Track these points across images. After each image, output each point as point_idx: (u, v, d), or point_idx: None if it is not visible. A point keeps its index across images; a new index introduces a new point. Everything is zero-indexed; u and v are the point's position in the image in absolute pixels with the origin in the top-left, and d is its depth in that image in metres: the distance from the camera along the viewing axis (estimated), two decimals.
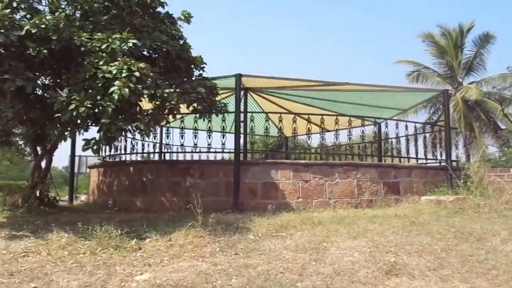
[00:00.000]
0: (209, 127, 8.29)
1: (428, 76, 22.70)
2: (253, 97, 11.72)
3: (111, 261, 4.31)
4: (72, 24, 5.89)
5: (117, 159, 9.81)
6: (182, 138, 8.39)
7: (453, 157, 9.78)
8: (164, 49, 6.55)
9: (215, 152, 8.84)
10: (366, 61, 69.66)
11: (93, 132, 6.06)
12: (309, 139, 9.28)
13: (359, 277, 4.01)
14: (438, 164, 9.77)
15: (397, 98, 10.69)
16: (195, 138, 8.33)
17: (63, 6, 6.47)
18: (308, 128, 8.64)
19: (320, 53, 72.02)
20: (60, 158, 55.98)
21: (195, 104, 6.99)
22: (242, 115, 8.40)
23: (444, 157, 9.61)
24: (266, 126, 8.79)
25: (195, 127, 8.33)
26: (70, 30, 5.57)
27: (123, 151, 9.63)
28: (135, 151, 9.44)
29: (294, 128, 8.68)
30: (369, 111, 11.72)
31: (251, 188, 7.73)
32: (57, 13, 5.60)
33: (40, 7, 6.33)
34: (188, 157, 9.66)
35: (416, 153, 9.69)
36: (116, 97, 5.16)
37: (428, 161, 10.17)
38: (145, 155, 9.68)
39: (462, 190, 8.45)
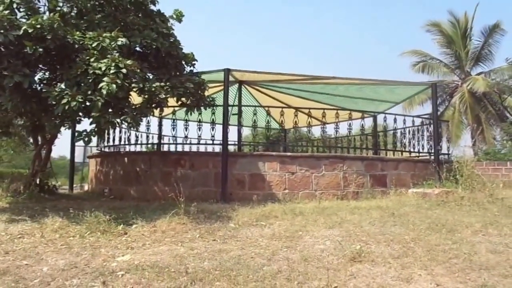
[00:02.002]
0: (199, 120, 8.82)
1: (434, 67, 22.78)
2: (249, 91, 12.21)
3: (97, 244, 4.87)
4: (67, 23, 6.43)
5: (113, 150, 10.41)
6: (173, 130, 8.98)
7: (445, 150, 10.18)
8: (154, 46, 7.04)
9: (206, 144, 9.37)
10: (370, 54, 69.52)
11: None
12: (309, 132, 9.79)
13: (324, 263, 4.33)
14: (427, 157, 10.16)
15: (391, 92, 11.10)
16: (186, 130, 8.92)
17: (60, 5, 6.99)
18: (309, 122, 9.15)
19: (324, 45, 71.90)
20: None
21: (183, 99, 7.47)
22: (235, 108, 8.90)
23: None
24: (265, 120, 9.27)
25: (186, 119, 8.87)
26: (64, 29, 6.10)
27: (123, 142, 10.22)
28: (129, 142, 10.03)
29: (296, 122, 9.16)
30: (366, 104, 12.19)
31: (239, 179, 8.26)
32: (52, 14, 6.14)
33: (40, 5, 6.89)
34: (181, 148, 10.24)
35: (410, 147, 10.12)
36: (104, 92, 5.71)
37: (421, 154, 10.59)
38: (141, 145, 10.26)
39: (450, 183, 8.79)
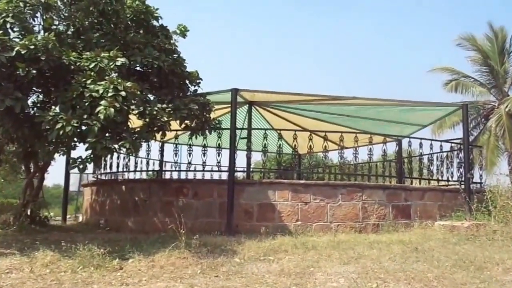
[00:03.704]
0: (204, 144, 9.03)
1: (468, 86, 22.67)
2: (259, 112, 12.46)
3: (90, 280, 5.03)
4: (63, 43, 6.79)
5: (110, 178, 10.67)
6: (176, 155, 9.22)
7: (477, 179, 10.18)
8: (156, 65, 7.36)
9: (211, 170, 9.54)
10: (395, 71, 69.61)
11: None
12: (325, 158, 9.90)
13: None
14: (457, 186, 10.17)
15: (417, 113, 11.20)
16: (189, 155, 9.13)
17: (56, 23, 7.39)
18: (325, 146, 9.31)
19: (345, 66, 72.29)
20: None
21: (187, 121, 7.73)
22: (244, 132, 9.08)
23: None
24: (276, 144, 9.43)
25: (190, 144, 9.08)
26: (59, 49, 6.46)
27: (121, 169, 10.50)
28: (127, 169, 10.31)
29: (310, 146, 9.28)
30: (389, 127, 12.30)
31: (247, 209, 8.41)
32: (47, 33, 6.50)
33: (35, 24, 7.29)
34: (184, 175, 10.45)
35: (438, 175, 10.15)
36: (102, 116, 5.98)
37: (450, 183, 10.60)
38: (140, 172, 10.51)
39: (482, 215, 8.73)
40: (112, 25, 7.73)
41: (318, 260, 6.05)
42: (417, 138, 10.69)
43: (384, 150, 10.00)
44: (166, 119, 7.14)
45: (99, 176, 11.27)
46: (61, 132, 6.04)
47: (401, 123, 12.11)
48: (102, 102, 6.07)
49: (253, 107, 11.98)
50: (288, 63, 76.81)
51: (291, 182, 8.86)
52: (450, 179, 10.66)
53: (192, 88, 8.47)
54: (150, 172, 12.61)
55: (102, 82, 6.24)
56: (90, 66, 6.50)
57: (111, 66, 6.58)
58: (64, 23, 7.41)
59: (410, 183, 10.95)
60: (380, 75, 70.69)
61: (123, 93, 6.17)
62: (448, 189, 10.19)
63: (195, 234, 6.52)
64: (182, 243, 6.14)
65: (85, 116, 6.20)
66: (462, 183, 9.99)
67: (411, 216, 9.04)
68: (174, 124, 7.89)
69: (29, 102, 7.01)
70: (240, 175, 14.41)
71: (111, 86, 6.16)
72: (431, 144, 10.60)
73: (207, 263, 5.73)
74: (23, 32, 6.80)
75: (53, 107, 6.71)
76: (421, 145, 10.36)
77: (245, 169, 12.05)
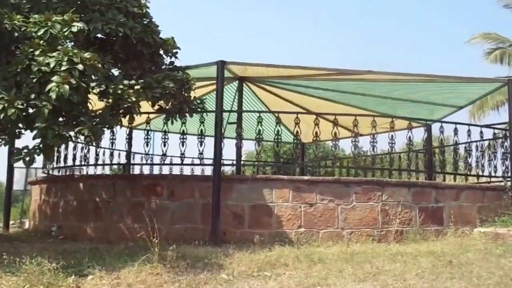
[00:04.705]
0: (183, 131, 9.04)
1: None
2: (252, 91, 12.49)
3: None
4: (4, 3, 6.74)
5: (65, 173, 10.72)
6: (147, 145, 9.21)
7: None
8: (121, 32, 7.33)
9: (192, 164, 9.55)
10: (424, 39, 69.23)
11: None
12: (335, 147, 9.78)
13: None
14: (502, 183, 10.27)
15: (451, 91, 11.23)
16: (164, 145, 9.17)
17: None
18: (335, 133, 9.33)
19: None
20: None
21: (161, 102, 7.73)
22: (233, 115, 9.08)
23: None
24: (274, 130, 9.39)
25: (165, 131, 9.08)
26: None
27: (78, 162, 10.46)
28: (87, 163, 10.32)
29: (316, 133, 9.30)
30: (416, 109, 12.35)
31: (236, 212, 8.46)
32: None
33: None
34: (158, 170, 10.45)
35: (477, 169, 10.20)
36: (54, 95, 5.95)
37: (493, 179, 10.68)
38: (103, 167, 10.52)
39: None
40: None
41: (326, 276, 6.07)
42: (451, 122, 10.66)
43: (410, 137, 10.01)
44: (134, 99, 7.12)
45: (50, 172, 11.25)
46: (1, 116, 5.99)
47: (431, 104, 12.16)
48: (54, 78, 6.03)
49: (244, 84, 11.97)
50: (286, 34, 76.56)
51: (292, 178, 8.93)
52: (493, 174, 10.73)
53: (167, 60, 8.50)
54: (115, 166, 12.63)
55: (54, 53, 6.20)
56: (39, 33, 6.44)
57: (65, 33, 6.53)
58: None
59: (443, 180, 10.94)
60: (401, 48, 70.68)
61: (80, 67, 6.13)
62: (491, 187, 10.24)
63: (172, 244, 6.55)
64: (155, 255, 6.15)
65: (32, 96, 6.17)
66: (509, 179, 10.07)
67: (444, 221, 9.10)
68: (145, 106, 7.89)
69: None
70: (228, 170, 14.50)
71: (65, 58, 6.12)
72: (468, 130, 10.56)
73: (187, 281, 5.75)
74: None
75: None
76: (456, 132, 10.38)
77: (235, 162, 12.02)
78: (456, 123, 10.46)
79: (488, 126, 11.34)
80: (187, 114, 8.42)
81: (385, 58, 65.07)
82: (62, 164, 10.68)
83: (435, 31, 70.03)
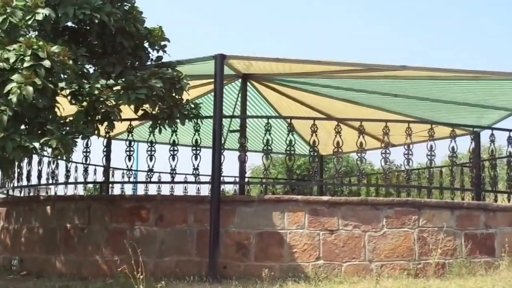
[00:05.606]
0: (174, 141, 8.98)
1: None
2: (258, 91, 12.50)
3: None
4: None
5: (28, 194, 10.69)
6: (129, 159, 9.18)
7: None
8: (97, 20, 7.33)
9: (185, 181, 9.49)
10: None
11: None
12: (361, 161, 9.62)
13: None
14: None
15: (504, 91, 11.18)
16: (151, 159, 9.13)
17: None
18: (360, 143, 9.26)
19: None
20: None
21: (146, 106, 7.75)
22: (236, 121, 9.02)
23: None
24: (285, 140, 9.30)
25: (151, 141, 9.03)
26: None
27: (44, 180, 10.48)
28: (55, 181, 10.30)
29: (338, 143, 9.22)
30: (460, 113, 12.33)
31: (240, 241, 8.44)
32: None
33: None
34: (143, 190, 10.44)
35: None
36: (14, 99, 6.00)
37: None
38: (75, 186, 10.51)
39: None
40: None
41: None
42: (505, 129, 10.70)
43: (453, 148, 9.99)
44: (113, 102, 7.17)
45: (10, 192, 11.25)
46: None
47: (479, 107, 12.15)
48: (15, 76, 6.09)
49: (248, 83, 11.99)
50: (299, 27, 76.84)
51: (308, 199, 8.90)
52: None
53: (154, 55, 8.56)
54: (91, 185, 12.63)
55: (15, 46, 6.27)
56: None
57: (29, 22, 6.59)
58: None
59: (494, 200, 10.91)
60: (443, 41, 70.78)
61: (46, 63, 6.18)
62: None
63: (160, 281, 6.57)
64: None
65: None
66: None
67: (495, 251, 9.05)
68: (127, 110, 7.93)
69: None
70: (229, 189, 14.47)
71: (29, 52, 6.18)
72: None
73: None
74: None
75: None
76: (510, 141, 10.35)
77: (237, 180, 12.07)
78: (510, 130, 10.46)
79: None
80: (178, 121, 8.41)
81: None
82: (24, 182, 10.70)
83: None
